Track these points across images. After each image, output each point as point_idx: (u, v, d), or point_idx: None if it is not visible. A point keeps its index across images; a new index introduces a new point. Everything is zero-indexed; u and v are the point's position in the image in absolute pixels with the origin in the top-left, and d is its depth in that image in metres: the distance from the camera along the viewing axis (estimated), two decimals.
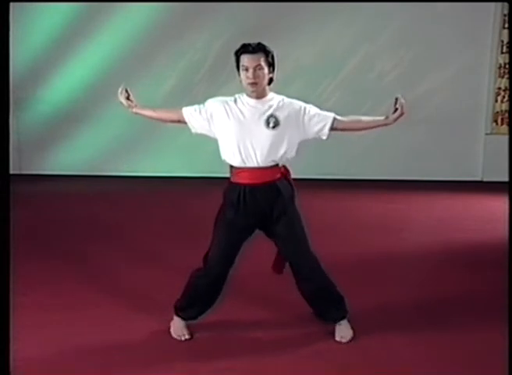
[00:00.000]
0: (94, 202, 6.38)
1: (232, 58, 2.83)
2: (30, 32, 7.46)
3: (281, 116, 2.80)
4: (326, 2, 7.02)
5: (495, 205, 5.93)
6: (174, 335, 3.08)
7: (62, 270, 4.14)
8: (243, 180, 2.84)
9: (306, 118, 2.84)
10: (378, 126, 2.93)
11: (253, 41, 2.81)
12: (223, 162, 2.93)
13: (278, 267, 3.05)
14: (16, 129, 7.38)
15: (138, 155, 7.75)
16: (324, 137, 2.89)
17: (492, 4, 7.07)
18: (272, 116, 2.79)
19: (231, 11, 7.21)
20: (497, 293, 3.51)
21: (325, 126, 2.85)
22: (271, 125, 2.79)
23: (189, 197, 6.53)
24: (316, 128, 2.86)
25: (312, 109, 2.87)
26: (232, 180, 2.89)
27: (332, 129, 2.86)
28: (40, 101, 7.71)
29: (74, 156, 7.79)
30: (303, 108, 2.85)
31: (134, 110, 3.03)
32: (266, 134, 2.78)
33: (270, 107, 2.80)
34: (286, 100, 2.86)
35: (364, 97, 7.30)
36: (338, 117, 2.88)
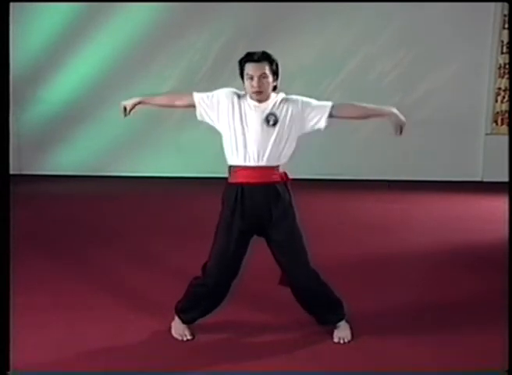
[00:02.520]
0: (95, 202, 6.38)
1: (233, 59, 2.83)
2: (30, 32, 7.47)
3: (280, 113, 2.81)
4: (326, 2, 7.03)
5: (495, 205, 5.93)
6: (175, 335, 3.07)
7: (62, 270, 4.14)
8: (241, 179, 2.83)
9: (304, 111, 2.83)
10: (380, 114, 2.90)
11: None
12: (223, 163, 2.93)
13: (285, 280, 3.02)
14: (16, 129, 7.38)
15: (138, 155, 7.76)
16: (322, 127, 2.85)
17: (492, 4, 7.08)
18: (271, 114, 2.80)
19: (231, 11, 7.21)
20: (497, 293, 3.50)
21: (322, 116, 2.83)
22: (270, 123, 2.79)
23: (189, 197, 6.53)
24: (314, 120, 2.85)
25: (310, 102, 2.86)
26: (230, 180, 2.88)
27: (330, 116, 2.84)
28: (40, 101, 7.72)
29: (74, 156, 7.80)
30: (300, 102, 2.84)
31: (141, 101, 2.97)
32: (266, 131, 2.79)
33: (269, 105, 2.81)
34: (284, 96, 2.86)
35: (365, 97, 7.19)
36: (336, 105, 2.86)
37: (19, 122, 7.60)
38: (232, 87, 2.91)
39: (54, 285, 3.85)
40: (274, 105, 2.82)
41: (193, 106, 2.92)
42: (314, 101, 2.88)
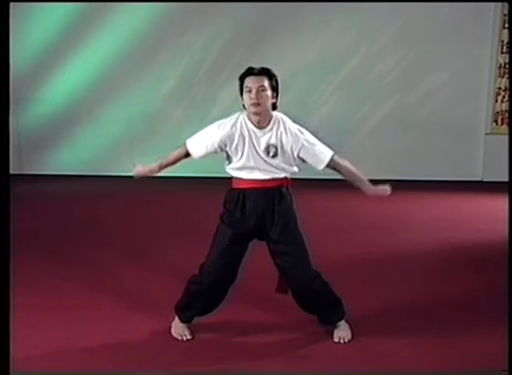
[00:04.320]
0: (95, 202, 6.38)
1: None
2: (30, 32, 7.47)
3: (281, 144, 2.80)
4: (326, 2, 7.03)
5: (495, 205, 5.93)
6: (175, 335, 3.08)
7: (61, 270, 4.13)
8: (244, 185, 2.86)
9: (304, 152, 2.85)
10: (360, 186, 3.08)
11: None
12: (223, 162, 2.94)
13: (283, 288, 3.03)
14: (16, 129, 7.39)
15: (138, 155, 7.74)
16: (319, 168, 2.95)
17: (492, 4, 7.08)
18: (271, 145, 2.80)
19: (231, 11, 7.21)
20: (497, 293, 3.50)
21: (319, 164, 2.90)
22: (271, 154, 2.80)
23: (189, 197, 6.52)
24: (311, 162, 2.91)
25: (312, 143, 2.86)
26: (233, 186, 2.91)
27: (326, 166, 2.92)
28: (40, 101, 7.71)
29: (74, 156, 7.80)
30: (302, 142, 2.82)
31: (157, 167, 3.26)
32: (266, 161, 2.81)
33: (271, 136, 2.80)
34: (288, 125, 2.83)
35: (364, 97, 7.30)
36: (335, 158, 2.93)
37: (19, 122, 7.60)
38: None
39: (54, 285, 3.85)
40: (275, 136, 2.79)
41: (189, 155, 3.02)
42: (315, 145, 2.87)
